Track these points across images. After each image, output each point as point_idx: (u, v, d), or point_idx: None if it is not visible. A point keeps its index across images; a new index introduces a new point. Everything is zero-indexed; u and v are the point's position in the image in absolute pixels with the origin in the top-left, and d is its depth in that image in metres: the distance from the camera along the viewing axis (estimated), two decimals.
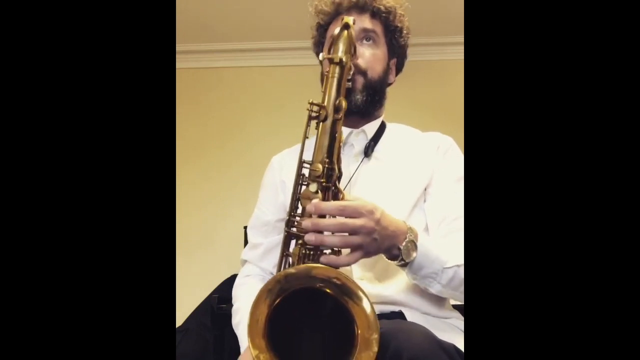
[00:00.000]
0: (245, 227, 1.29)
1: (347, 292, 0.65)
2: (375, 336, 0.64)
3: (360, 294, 0.65)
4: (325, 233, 0.74)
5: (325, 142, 0.76)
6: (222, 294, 1.81)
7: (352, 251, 0.75)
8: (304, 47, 1.37)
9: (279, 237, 0.98)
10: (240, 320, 0.95)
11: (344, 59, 0.79)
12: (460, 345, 0.74)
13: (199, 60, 2.77)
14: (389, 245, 0.79)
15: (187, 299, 2.06)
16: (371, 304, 0.65)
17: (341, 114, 0.77)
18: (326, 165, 0.75)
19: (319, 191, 0.75)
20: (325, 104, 0.77)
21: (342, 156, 1.00)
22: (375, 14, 1.02)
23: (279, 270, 0.81)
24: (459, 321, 0.92)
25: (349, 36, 0.81)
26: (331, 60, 0.79)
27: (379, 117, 1.07)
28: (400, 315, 0.88)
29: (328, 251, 0.75)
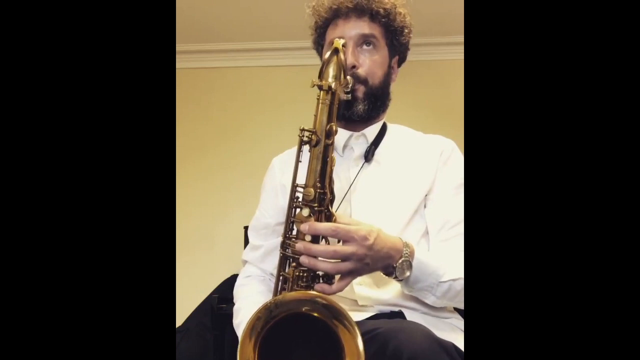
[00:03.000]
0: (246, 227, 1.29)
1: (336, 316, 0.66)
2: None
3: (350, 319, 0.66)
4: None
5: (317, 167, 0.78)
6: (222, 294, 1.81)
7: (342, 276, 0.76)
8: (304, 47, 1.37)
9: (278, 240, 0.98)
10: (242, 320, 0.95)
11: (332, 86, 0.80)
12: (460, 344, 0.74)
13: (199, 60, 2.77)
14: (383, 265, 0.81)
15: (187, 299, 2.06)
16: (360, 332, 0.66)
17: (332, 139, 0.79)
18: (318, 190, 0.77)
19: (311, 215, 0.76)
20: (317, 129, 0.78)
21: (342, 160, 1.01)
22: (374, 17, 1.01)
23: (275, 289, 0.82)
24: (458, 321, 0.92)
25: (339, 61, 0.82)
26: (321, 87, 0.80)
27: (381, 119, 1.07)
28: (400, 314, 0.88)
29: (321, 273, 0.76)
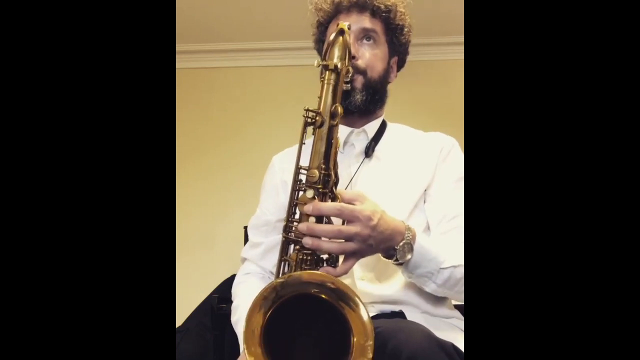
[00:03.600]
0: (246, 227, 1.29)
1: (343, 297, 0.66)
2: (370, 343, 0.64)
3: (357, 300, 0.65)
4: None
5: (322, 148, 0.77)
6: (222, 294, 1.81)
7: (346, 257, 0.76)
8: (304, 47, 1.37)
9: (279, 237, 0.98)
10: (240, 318, 0.95)
11: (338, 66, 0.79)
12: (460, 344, 0.74)
13: (199, 60, 2.77)
14: (385, 247, 0.80)
15: (187, 299, 2.06)
16: (367, 310, 0.65)
17: (337, 120, 0.77)
18: (322, 172, 0.76)
19: (316, 197, 0.75)
20: (321, 110, 0.77)
21: (343, 156, 1.01)
22: (375, 13, 1.02)
23: (277, 274, 0.81)
24: (459, 321, 0.93)
25: (344, 42, 0.81)
26: (326, 67, 0.80)
27: (380, 116, 1.07)
28: (400, 314, 0.88)
29: (325, 256, 0.75)
